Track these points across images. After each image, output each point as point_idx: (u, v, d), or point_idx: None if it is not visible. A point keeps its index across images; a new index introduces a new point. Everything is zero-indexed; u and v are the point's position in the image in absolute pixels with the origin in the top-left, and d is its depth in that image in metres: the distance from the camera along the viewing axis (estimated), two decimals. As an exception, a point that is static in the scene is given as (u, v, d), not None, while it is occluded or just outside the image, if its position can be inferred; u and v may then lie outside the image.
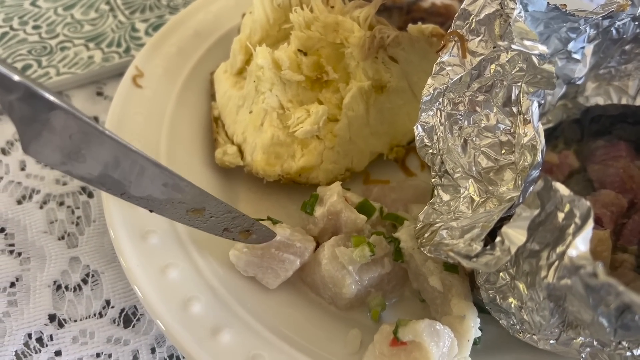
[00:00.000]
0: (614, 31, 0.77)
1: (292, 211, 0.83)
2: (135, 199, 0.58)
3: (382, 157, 0.89)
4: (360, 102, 0.82)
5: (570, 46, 0.76)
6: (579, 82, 0.81)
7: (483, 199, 0.68)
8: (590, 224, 0.49)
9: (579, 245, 0.48)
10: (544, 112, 0.84)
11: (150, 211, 0.61)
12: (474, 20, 0.66)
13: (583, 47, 0.78)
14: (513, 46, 0.63)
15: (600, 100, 0.83)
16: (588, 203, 0.49)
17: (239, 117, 0.85)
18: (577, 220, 0.50)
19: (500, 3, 0.65)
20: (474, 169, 0.69)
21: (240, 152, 0.85)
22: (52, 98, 0.47)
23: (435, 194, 0.72)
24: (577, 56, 0.78)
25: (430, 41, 0.83)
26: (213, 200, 0.63)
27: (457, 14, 0.67)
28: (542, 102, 0.69)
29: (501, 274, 0.63)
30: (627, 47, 0.80)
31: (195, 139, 0.88)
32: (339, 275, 0.70)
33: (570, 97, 0.84)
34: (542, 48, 0.63)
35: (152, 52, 0.94)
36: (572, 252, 0.48)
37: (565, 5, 0.70)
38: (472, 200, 0.69)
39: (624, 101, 0.82)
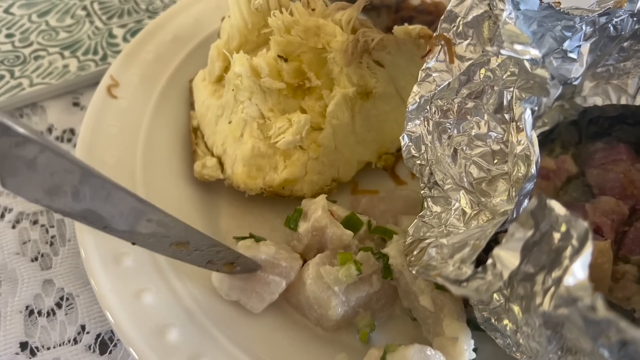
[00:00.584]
0: (612, 28, 0.72)
1: (277, 225, 0.79)
2: (117, 232, 0.57)
3: (371, 166, 0.85)
4: (345, 109, 0.77)
5: (566, 45, 0.72)
6: (576, 82, 0.77)
7: (475, 212, 0.65)
8: (589, 247, 0.44)
9: (577, 272, 0.44)
10: (539, 115, 0.79)
11: (133, 244, 0.59)
12: (461, 22, 0.62)
13: (579, 46, 0.73)
14: (502, 51, 0.59)
15: (599, 101, 0.79)
16: (586, 224, 0.45)
17: (219, 128, 0.81)
18: (574, 242, 0.46)
19: (488, 4, 0.61)
20: (465, 179, 0.65)
21: (221, 164, 0.80)
22: (29, 135, 0.45)
23: (425, 205, 0.68)
24: (573, 55, 0.73)
25: (417, 43, 0.78)
26: (197, 234, 0.62)
27: (442, 17, 0.62)
28: (536, 108, 0.65)
29: (495, 295, 0.59)
30: (625, 44, 0.75)
31: (173, 152, 0.83)
32: (324, 296, 0.66)
33: (567, 97, 0.80)
34: (534, 52, 0.59)
35: (128, 60, 0.90)
36: (569, 280, 0.43)
37: (559, 2, 0.66)
38: (464, 212, 0.65)
39: (623, 101, 0.78)
